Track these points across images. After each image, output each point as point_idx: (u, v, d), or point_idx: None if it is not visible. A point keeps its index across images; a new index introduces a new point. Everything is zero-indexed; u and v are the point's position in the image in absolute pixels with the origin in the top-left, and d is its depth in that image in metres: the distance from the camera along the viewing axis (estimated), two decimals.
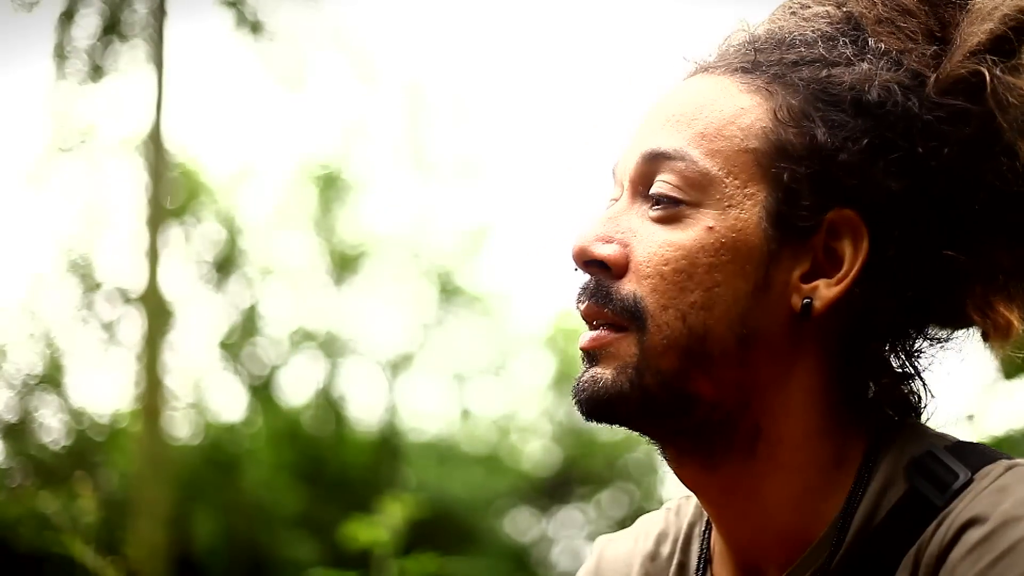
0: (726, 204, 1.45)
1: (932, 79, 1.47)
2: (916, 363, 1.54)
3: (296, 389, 22.04)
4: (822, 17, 1.55)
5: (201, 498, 18.07)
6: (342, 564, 7.29)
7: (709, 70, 1.55)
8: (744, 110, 1.48)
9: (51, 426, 19.08)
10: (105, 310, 19.91)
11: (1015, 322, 1.48)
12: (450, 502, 19.02)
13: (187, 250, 21.06)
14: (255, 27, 16.18)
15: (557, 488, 23.39)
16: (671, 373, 1.44)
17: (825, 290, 1.46)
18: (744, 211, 1.45)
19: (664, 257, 1.45)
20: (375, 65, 21.80)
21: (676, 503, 1.76)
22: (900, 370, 1.53)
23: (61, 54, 15.51)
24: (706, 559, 1.65)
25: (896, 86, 1.46)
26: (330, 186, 21.94)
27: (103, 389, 24.50)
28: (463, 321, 22.95)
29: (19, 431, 18.59)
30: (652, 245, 1.46)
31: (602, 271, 1.48)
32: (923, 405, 1.55)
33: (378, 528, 6.50)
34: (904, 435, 1.50)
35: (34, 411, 18.91)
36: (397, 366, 21.94)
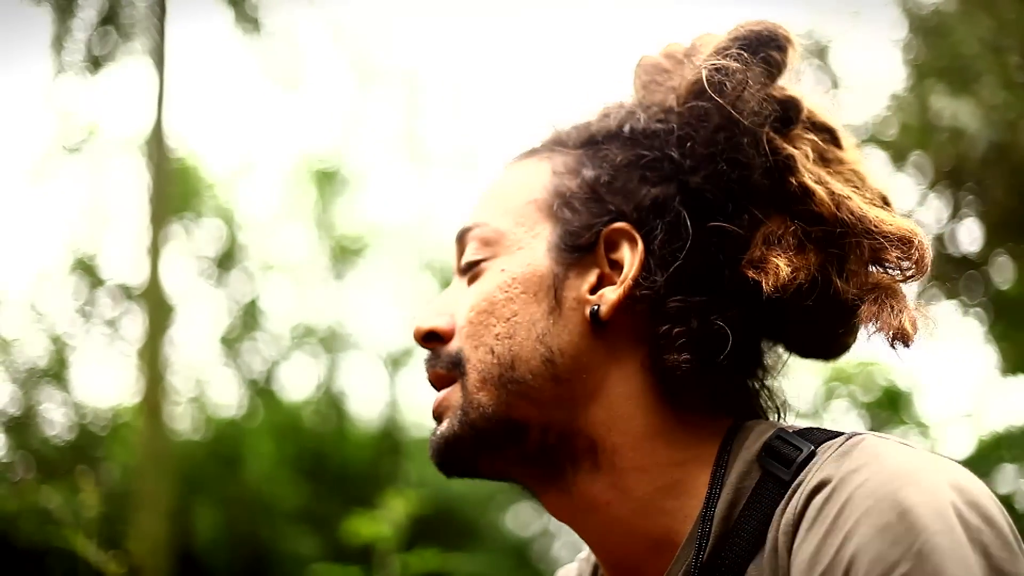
0: (516, 248, 1.64)
1: (672, 97, 1.68)
2: (765, 370, 1.67)
3: (297, 384, 22.08)
4: (613, 104, 1.77)
5: (203, 492, 18.09)
6: (344, 559, 7.30)
7: (517, 158, 1.77)
8: (529, 173, 1.70)
9: (54, 420, 19.11)
10: (107, 305, 19.94)
11: (783, 264, 1.56)
12: (451, 497, 19.02)
13: (188, 246, 21.09)
14: (254, 24, 16.17)
15: None
16: (493, 404, 1.58)
17: (610, 294, 1.60)
18: (532, 249, 1.63)
19: (471, 306, 1.63)
20: (373, 59, 21.84)
21: (586, 551, 1.87)
22: (735, 371, 1.63)
23: (60, 45, 15.51)
24: None
25: (643, 114, 1.69)
26: (329, 181, 21.94)
27: (105, 384, 24.55)
28: None
29: (22, 425, 18.61)
30: (465, 303, 1.64)
31: (436, 342, 1.66)
32: (779, 407, 1.67)
33: (380, 523, 6.52)
34: (756, 429, 1.58)
35: (37, 405, 18.92)
36: (398, 361, 21.95)
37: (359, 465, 19.88)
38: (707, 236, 1.59)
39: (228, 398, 21.62)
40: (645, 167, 1.63)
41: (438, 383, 1.65)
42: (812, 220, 1.60)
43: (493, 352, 1.58)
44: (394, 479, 17.42)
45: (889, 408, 14.79)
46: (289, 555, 17.39)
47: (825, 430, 1.55)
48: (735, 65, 1.61)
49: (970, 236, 10.76)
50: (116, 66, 15.90)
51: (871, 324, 1.55)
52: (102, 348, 20.02)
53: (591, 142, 1.69)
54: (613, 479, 1.57)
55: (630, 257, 1.60)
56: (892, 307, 1.55)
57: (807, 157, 1.64)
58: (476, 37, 36.19)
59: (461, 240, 1.70)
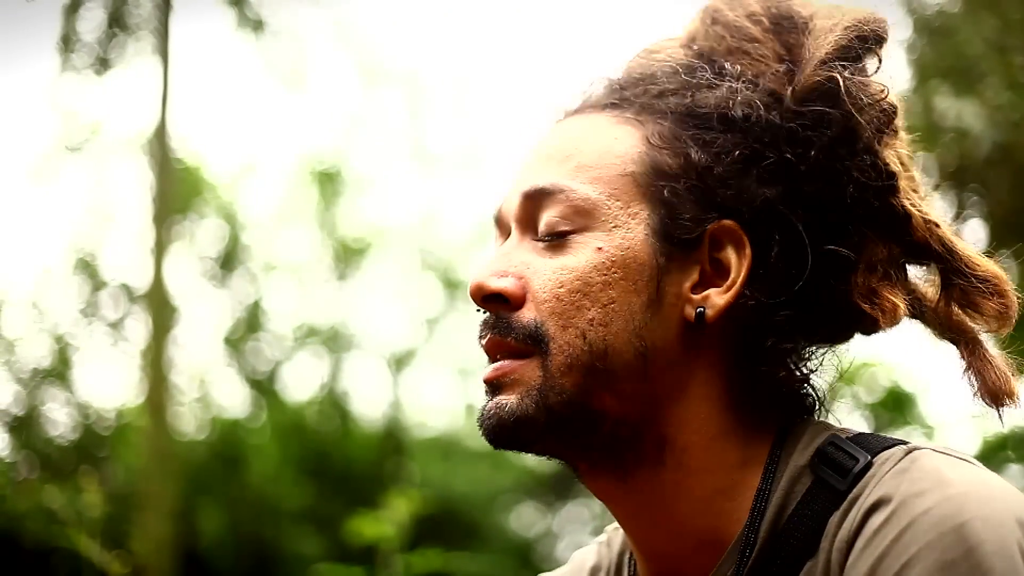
0: (611, 225, 1.53)
1: (789, 91, 1.57)
2: (809, 365, 1.61)
3: (300, 385, 22.08)
4: (675, 56, 1.66)
5: (206, 493, 18.09)
6: (347, 559, 7.29)
7: (578, 112, 1.65)
8: (618, 139, 1.57)
9: (58, 420, 19.12)
10: (111, 306, 19.95)
11: (900, 304, 1.55)
12: (455, 498, 19.03)
13: (191, 246, 21.08)
14: (257, 25, 16.18)
15: (562, 484, 23.39)
16: (575, 391, 1.50)
17: (716, 298, 1.53)
18: (630, 230, 1.52)
19: (559, 281, 1.52)
20: (376, 59, 21.83)
21: (607, 536, 1.83)
22: (796, 371, 1.60)
23: (66, 47, 15.52)
24: None
25: (757, 101, 1.56)
26: (332, 181, 21.94)
27: (109, 384, 24.56)
28: (467, 315, 22.95)
29: (26, 425, 18.62)
30: (546, 272, 1.53)
31: (501, 305, 1.55)
32: (823, 405, 1.62)
33: (383, 523, 6.51)
34: (809, 431, 1.55)
35: (41, 405, 18.94)
36: (401, 361, 21.95)
37: (362, 465, 19.88)
38: (820, 254, 1.54)
39: (232, 398, 21.64)
40: (761, 165, 1.54)
41: (500, 351, 1.55)
42: (906, 246, 1.58)
43: (585, 338, 1.49)
44: (397, 479, 17.42)
45: (893, 409, 14.78)
46: (293, 555, 17.39)
47: (880, 437, 1.52)
48: (860, 69, 1.57)
49: (974, 237, 10.74)
50: (121, 66, 15.92)
51: (964, 374, 1.56)
52: (106, 348, 20.04)
53: (691, 116, 1.56)
54: (676, 477, 1.53)
55: (736, 261, 1.53)
56: (984, 364, 1.55)
57: (904, 174, 1.60)
58: (479, 37, 36.20)
59: (535, 199, 1.56)
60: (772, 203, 1.53)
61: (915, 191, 1.61)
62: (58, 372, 19.29)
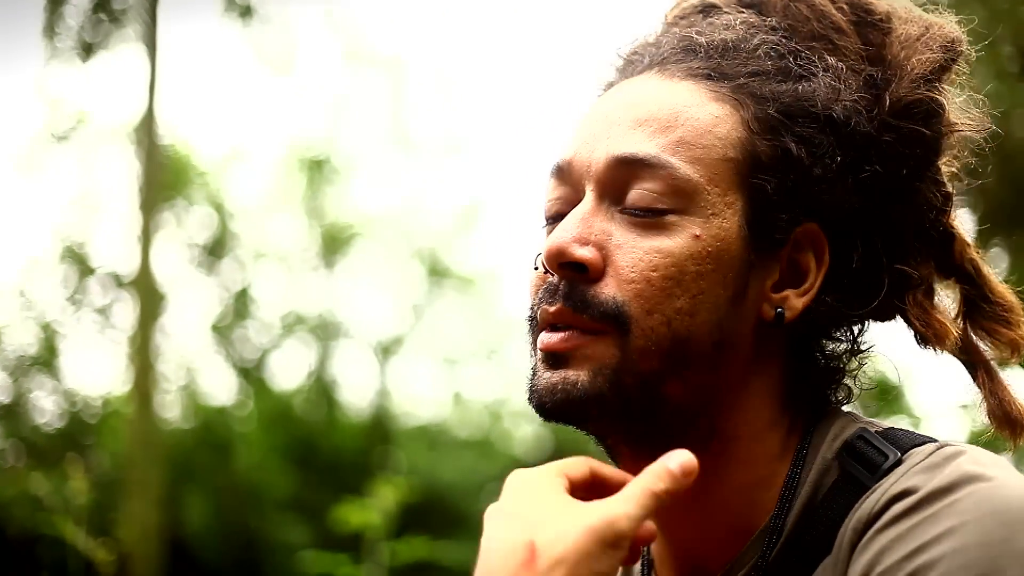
0: (709, 212, 1.46)
1: (887, 101, 1.52)
2: (854, 360, 1.60)
3: (288, 373, 22.06)
4: (754, 26, 1.58)
5: (193, 481, 18.07)
6: (333, 547, 7.29)
7: (664, 72, 1.56)
8: (719, 119, 1.50)
9: (44, 408, 19.09)
10: (98, 293, 19.92)
11: (951, 328, 1.54)
12: (441, 486, 19.03)
13: (179, 234, 21.05)
14: (245, 11, 16.14)
15: None
16: (651, 375, 1.45)
17: (795, 300, 1.51)
18: (726, 220, 1.47)
19: (653, 263, 1.45)
20: (363, 46, 21.81)
21: None
22: (840, 368, 1.59)
23: (51, 34, 15.48)
24: (648, 563, 1.67)
25: (860, 105, 1.51)
26: (319, 168, 21.90)
27: (96, 372, 24.52)
28: (454, 303, 22.95)
29: (12, 413, 18.59)
30: (638, 251, 1.46)
31: (577, 274, 1.47)
32: (854, 395, 1.60)
33: (369, 511, 6.51)
34: (838, 423, 1.54)
35: (27, 393, 18.91)
36: (388, 349, 21.93)
37: (349, 454, 19.88)
38: (888, 265, 1.53)
39: (219, 386, 21.63)
40: (857, 175, 1.50)
41: (567, 321, 1.47)
42: (941, 266, 1.58)
43: (670, 326, 1.44)
44: (384, 468, 17.41)
45: (880, 399, 14.80)
46: (279, 543, 17.38)
47: (910, 432, 1.50)
48: (950, 90, 1.55)
49: (962, 227, 10.75)
50: (107, 53, 15.89)
51: (983, 400, 1.56)
52: (93, 336, 20.01)
53: (796, 109, 1.50)
54: (717, 466, 1.50)
55: (815, 266, 1.51)
56: (1003, 390, 1.56)
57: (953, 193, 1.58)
58: (465, 24, 36.14)
59: (629, 166, 1.48)
60: (859, 214, 1.51)
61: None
62: (45, 360, 19.26)
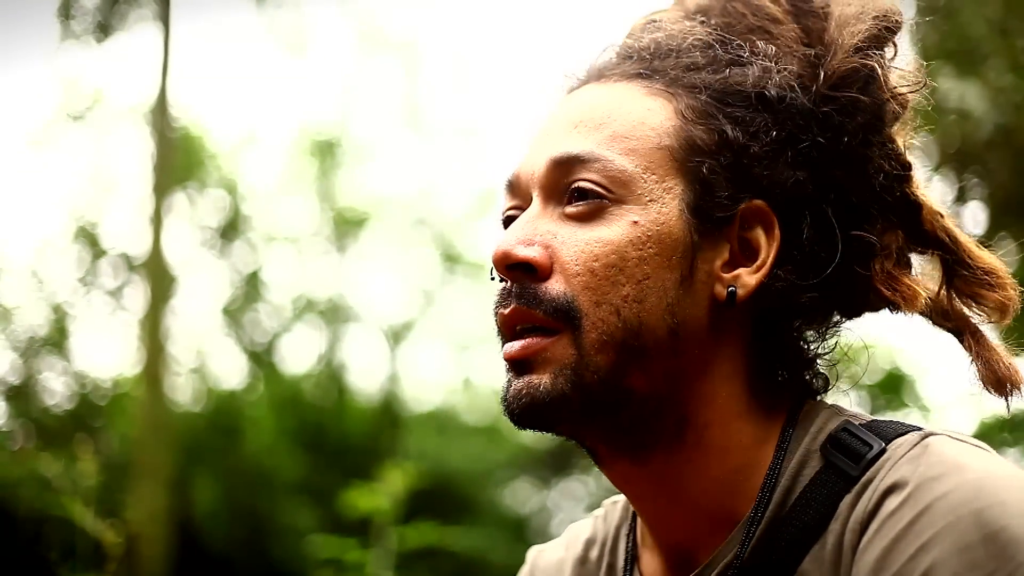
0: (647, 199, 1.50)
1: (821, 75, 1.56)
2: (823, 345, 1.62)
3: (298, 356, 22.07)
4: (694, 30, 1.62)
5: (202, 464, 18.10)
6: (342, 531, 7.29)
7: (602, 80, 1.61)
8: (651, 111, 1.54)
9: (54, 389, 19.11)
10: (109, 275, 19.93)
11: (920, 291, 1.56)
12: (450, 472, 19.04)
13: (191, 216, 21.06)
14: None
15: (557, 460, 23.40)
16: (609, 369, 1.48)
17: (747, 278, 1.52)
18: (665, 204, 1.50)
19: (593, 253, 1.48)
20: (377, 29, 21.78)
21: (603, 510, 1.82)
22: (809, 351, 1.61)
23: (67, 13, 15.49)
24: (632, 557, 1.69)
25: (792, 82, 1.55)
26: (332, 151, 21.89)
27: (106, 353, 24.54)
28: (465, 289, 22.94)
29: (22, 394, 18.61)
30: (579, 243, 1.49)
31: (526, 275, 1.50)
32: (832, 385, 1.62)
33: (378, 496, 6.51)
34: (822, 414, 1.55)
35: (37, 374, 18.92)
36: (399, 334, 21.93)
37: (359, 438, 19.89)
38: (847, 239, 1.55)
39: (229, 369, 21.64)
40: (795, 147, 1.53)
41: (523, 323, 1.51)
42: (913, 235, 1.59)
43: (619, 315, 1.46)
44: (393, 453, 17.42)
45: (891, 390, 14.79)
46: (287, 527, 17.40)
47: (894, 423, 1.52)
48: (890, 57, 1.58)
49: (974, 219, 10.73)
50: (122, 34, 15.90)
51: (971, 364, 1.57)
52: (103, 318, 20.03)
53: (726, 92, 1.54)
54: (694, 456, 1.52)
55: (766, 242, 1.53)
56: (990, 354, 1.57)
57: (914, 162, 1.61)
58: (479, 6, 36.08)
59: (565, 166, 1.52)
60: (803, 186, 1.53)
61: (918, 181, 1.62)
62: (55, 341, 19.28)
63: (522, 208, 1.58)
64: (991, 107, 9.78)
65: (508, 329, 1.53)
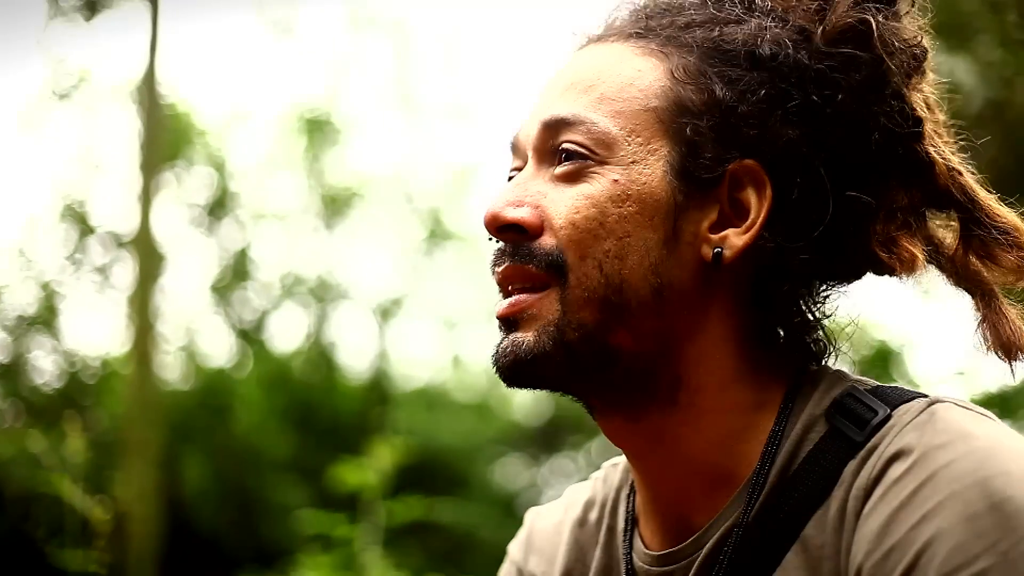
0: (630, 160, 1.50)
1: (819, 30, 1.54)
2: (823, 310, 1.62)
3: (287, 334, 22.05)
4: None
5: (191, 441, 18.08)
6: (331, 508, 7.30)
7: (601, 40, 1.62)
8: (641, 72, 1.54)
9: (43, 368, 19.09)
10: (98, 253, 19.89)
11: (919, 254, 1.55)
12: (439, 448, 19.04)
13: (179, 194, 21.01)
14: None
15: (547, 436, 23.43)
16: (592, 326, 1.49)
17: (735, 239, 1.52)
18: (648, 166, 1.50)
19: (576, 207, 1.50)
20: (365, 6, 21.74)
21: (604, 472, 1.81)
22: (809, 316, 1.60)
23: None
24: (632, 519, 1.68)
25: (786, 39, 1.53)
26: (320, 129, 21.84)
27: (95, 332, 24.53)
28: (454, 266, 22.91)
29: (11, 372, 18.59)
30: (564, 200, 1.51)
31: (517, 235, 1.53)
32: (834, 350, 1.62)
33: (366, 471, 6.52)
34: (826, 380, 1.55)
35: (26, 353, 18.90)
36: (387, 311, 21.91)
37: (348, 416, 19.88)
38: (841, 200, 1.54)
39: (218, 347, 21.61)
40: (786, 105, 1.52)
41: (517, 280, 1.53)
42: (927, 193, 1.58)
43: (601, 270, 1.48)
44: (383, 430, 17.43)
45: (880, 366, 14.81)
46: (277, 504, 17.40)
47: (900, 389, 1.51)
48: (893, 13, 1.57)
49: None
50: (110, 11, 15.84)
51: (978, 326, 1.56)
52: (92, 296, 19.99)
53: (718, 51, 1.54)
54: (688, 417, 1.52)
55: (756, 202, 1.53)
56: (999, 317, 1.56)
57: (930, 118, 1.59)
58: None
59: (554, 128, 1.54)
60: (795, 145, 1.52)
61: (940, 136, 1.61)
62: (44, 319, 19.24)
63: (522, 169, 1.60)
64: (981, 82, 9.78)
65: (504, 288, 1.55)
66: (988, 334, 1.56)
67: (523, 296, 1.52)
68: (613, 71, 1.55)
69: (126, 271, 18.48)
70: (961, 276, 1.59)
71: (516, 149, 1.62)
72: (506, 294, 1.55)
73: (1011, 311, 1.57)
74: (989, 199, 1.59)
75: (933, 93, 1.63)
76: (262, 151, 22.36)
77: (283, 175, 22.21)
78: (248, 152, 22.36)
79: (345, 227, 22.36)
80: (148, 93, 14.91)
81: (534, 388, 1.57)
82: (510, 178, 1.63)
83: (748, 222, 1.53)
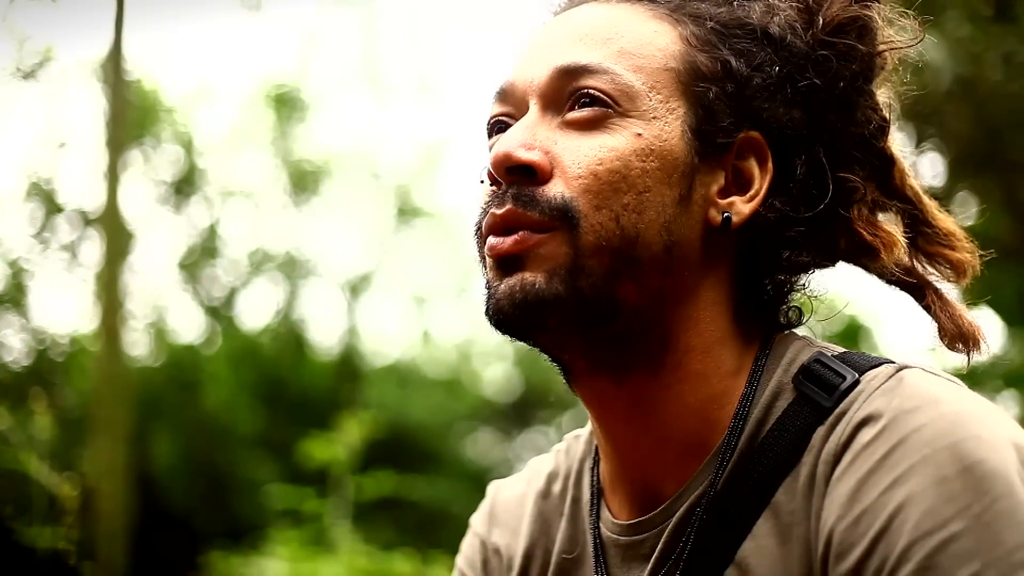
0: (651, 116, 1.51)
1: (820, 20, 1.59)
2: (800, 283, 1.65)
3: (256, 310, 22.03)
4: None
5: (160, 418, 18.06)
6: (300, 482, 7.30)
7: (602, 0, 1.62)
8: (658, 32, 1.55)
9: (11, 346, 19.01)
10: (65, 231, 19.80)
11: (897, 237, 1.60)
12: (410, 424, 19.07)
13: (146, 171, 20.93)
14: None
15: (518, 412, 23.46)
16: (603, 275, 1.48)
17: (741, 206, 1.56)
18: (668, 124, 1.51)
19: (598, 158, 1.48)
20: None
21: (566, 443, 1.82)
22: (787, 285, 1.64)
23: None
24: (598, 490, 1.68)
25: (796, 22, 1.59)
26: (288, 105, 21.77)
27: (63, 309, 24.43)
28: (423, 242, 22.90)
29: None
30: (583, 148, 1.50)
31: (525, 178, 1.50)
32: (806, 319, 1.65)
33: (335, 446, 6.51)
34: (794, 346, 1.57)
35: None
36: (357, 288, 21.89)
37: (318, 392, 19.87)
38: (831, 175, 1.58)
39: (187, 324, 21.56)
40: (794, 86, 1.56)
41: (516, 224, 1.50)
42: (883, 188, 1.64)
43: (618, 222, 1.47)
44: (353, 406, 17.43)
45: (849, 342, 14.88)
46: (246, 480, 17.40)
47: (866, 355, 1.53)
48: (882, 10, 1.63)
49: (933, 170, 10.76)
50: None
51: (933, 320, 1.62)
52: (60, 274, 19.91)
53: (731, 25, 1.57)
54: (672, 380, 1.53)
55: (759, 173, 1.56)
56: (952, 310, 1.61)
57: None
58: None
59: (572, 76, 1.53)
60: (798, 124, 1.56)
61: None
62: (12, 298, 19.16)
63: (513, 116, 1.59)
64: (949, 58, 9.81)
65: (498, 229, 1.51)
66: (945, 326, 1.61)
67: (528, 234, 1.49)
68: (631, 28, 1.56)
69: (94, 249, 18.39)
70: (908, 273, 1.65)
71: (507, 96, 1.60)
72: (500, 232, 1.51)
73: (959, 305, 1.63)
74: (932, 204, 1.65)
75: (891, 96, 1.69)
76: (230, 128, 22.30)
77: (251, 152, 22.15)
78: (216, 129, 22.30)
79: (314, 203, 22.32)
80: (114, 70, 14.83)
81: (529, 337, 1.55)
82: (495, 125, 1.61)
83: (752, 191, 1.56)
